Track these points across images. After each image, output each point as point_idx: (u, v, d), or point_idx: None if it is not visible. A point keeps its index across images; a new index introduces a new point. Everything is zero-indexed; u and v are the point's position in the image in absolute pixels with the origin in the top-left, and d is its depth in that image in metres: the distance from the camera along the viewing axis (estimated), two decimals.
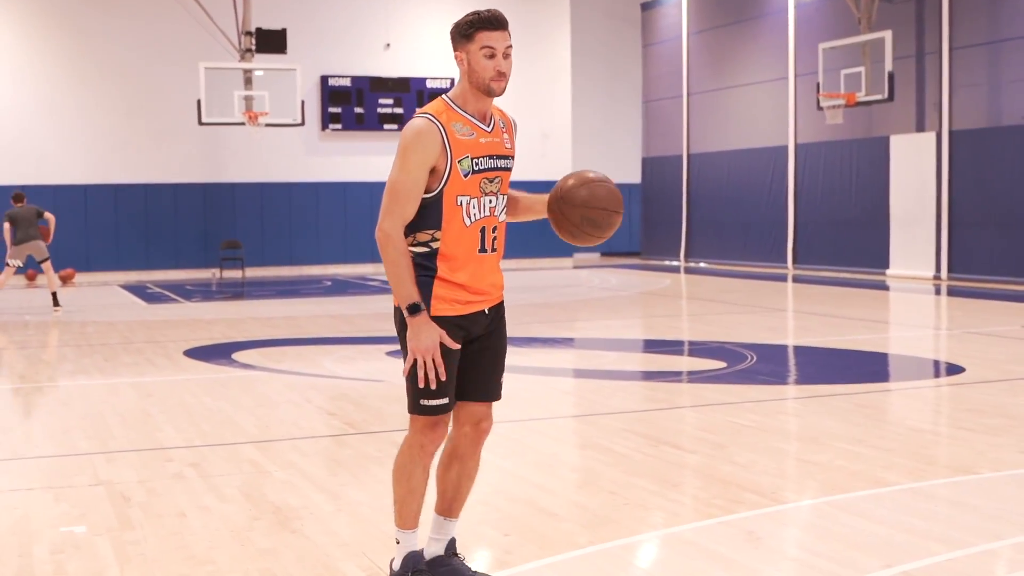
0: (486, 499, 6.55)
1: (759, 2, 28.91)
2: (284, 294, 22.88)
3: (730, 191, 29.72)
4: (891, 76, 22.97)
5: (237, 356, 13.20)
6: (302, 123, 26.52)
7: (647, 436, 8.07)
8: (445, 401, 4.69)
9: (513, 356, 13.03)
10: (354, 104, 29.94)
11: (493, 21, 4.60)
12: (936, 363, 12.75)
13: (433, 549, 4.99)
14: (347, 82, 29.89)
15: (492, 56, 4.60)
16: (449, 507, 4.99)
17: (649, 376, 11.86)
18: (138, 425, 9.03)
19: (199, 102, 25.16)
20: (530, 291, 22.98)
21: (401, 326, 4.71)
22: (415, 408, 4.70)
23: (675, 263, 31.19)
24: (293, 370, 12.02)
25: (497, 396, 4.93)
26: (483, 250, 4.72)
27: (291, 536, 5.84)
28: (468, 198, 4.64)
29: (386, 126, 30.17)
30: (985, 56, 22.81)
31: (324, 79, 29.69)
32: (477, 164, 4.66)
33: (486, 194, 4.70)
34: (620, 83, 35.82)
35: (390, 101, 30.24)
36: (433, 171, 4.59)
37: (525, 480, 7.05)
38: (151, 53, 28.52)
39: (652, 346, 13.78)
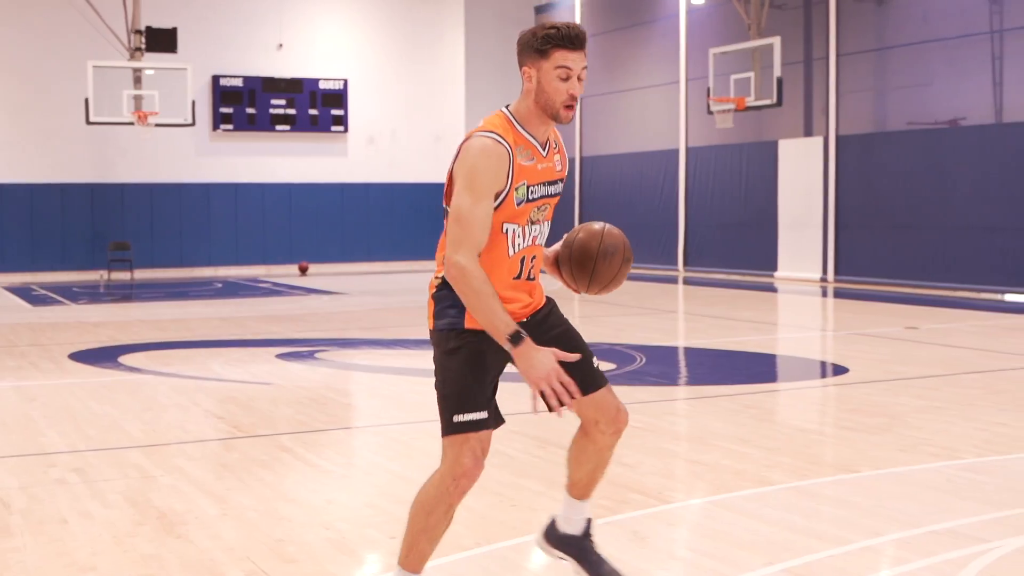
0: (372, 501, 6.54)
1: (651, 7, 29.19)
2: (174, 296, 22.59)
3: (622, 194, 29.95)
4: (780, 81, 23.32)
5: (124, 359, 13.00)
6: (193, 123, 26.24)
7: (535, 437, 8.10)
8: (483, 415, 4.27)
9: (406, 358, 13.07)
10: (246, 104, 29.63)
11: (574, 40, 4.20)
12: (823, 364, 12.96)
13: (566, 528, 4.74)
14: (239, 82, 29.58)
15: (567, 78, 4.19)
16: (583, 492, 4.70)
17: None
18: (20, 430, 8.85)
19: (87, 101, 24.77)
20: (424, 292, 22.90)
21: (439, 350, 4.38)
22: (448, 427, 4.27)
23: None
24: (181, 373, 11.87)
25: (603, 380, 4.51)
26: (518, 277, 4.38)
27: (175, 541, 5.77)
28: (515, 227, 4.28)
29: (278, 127, 29.91)
30: (871, 63, 23.27)
31: (215, 79, 29.35)
32: (531, 192, 4.28)
33: (533, 222, 4.35)
34: (514, 85, 35.80)
35: (283, 102, 29.98)
36: None
37: (413, 482, 6.99)
38: (37, 50, 27.95)
39: None
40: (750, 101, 23.94)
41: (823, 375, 12.11)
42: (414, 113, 31.69)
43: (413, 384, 11.26)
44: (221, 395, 10.54)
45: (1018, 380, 10.97)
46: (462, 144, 4.25)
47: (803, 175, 24.43)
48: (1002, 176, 20.39)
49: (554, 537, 4.79)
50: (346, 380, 11.87)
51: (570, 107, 4.22)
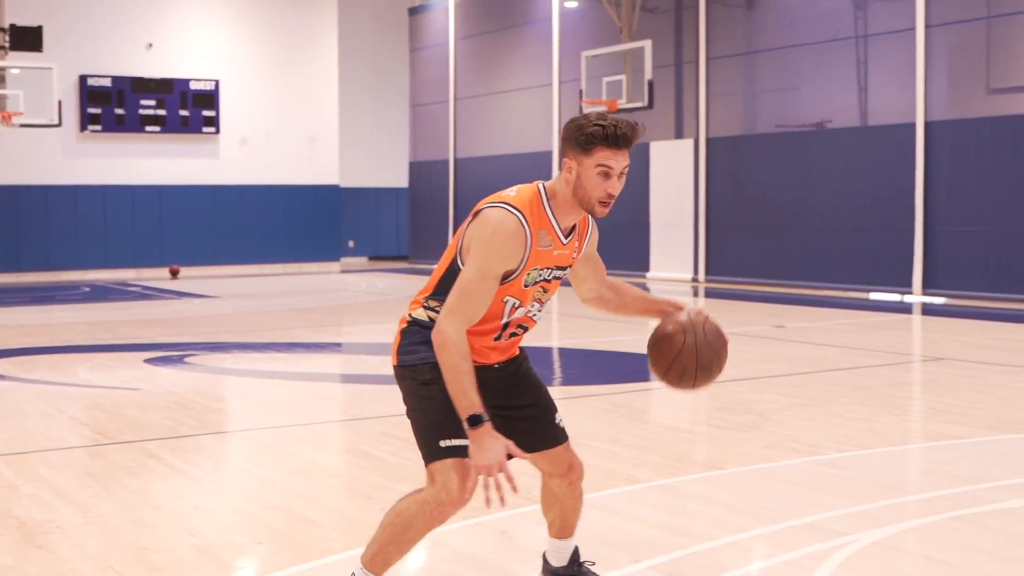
0: (240, 507, 6.47)
1: (525, 9, 29.32)
2: (39, 301, 22.10)
3: None
4: (651, 84, 23.55)
5: None
6: (59, 124, 25.76)
7: (407, 440, 8.01)
8: (466, 442, 4.10)
9: (278, 362, 12.95)
10: (115, 105, 29.10)
11: (619, 140, 4.10)
12: None
13: (555, 562, 4.82)
14: (107, 82, 29.04)
15: (607, 176, 4.13)
16: (559, 533, 4.76)
17: None
18: None
19: None
20: (297, 295, 22.78)
21: (414, 383, 4.28)
22: (434, 452, 4.16)
23: None
24: (45, 379, 11.60)
25: (563, 437, 4.55)
26: (498, 339, 4.36)
27: (35, 551, 5.64)
28: (516, 300, 4.28)
29: (148, 128, 29.42)
30: (740, 66, 23.66)
31: (83, 79, 28.78)
32: (540, 275, 4.29)
33: (534, 300, 4.34)
34: (387, 87, 35.81)
35: (152, 102, 29.50)
36: None
37: (282, 487, 6.97)
38: None
39: None
40: (622, 103, 24.12)
41: None
42: (287, 114, 31.41)
43: (284, 388, 11.17)
44: (87, 401, 10.34)
45: (880, 376, 11.24)
46: (483, 208, 4.23)
47: (674, 177, 24.75)
48: (867, 177, 20.87)
49: (549, 572, 4.87)
50: (216, 384, 11.72)
51: (606, 204, 4.17)
